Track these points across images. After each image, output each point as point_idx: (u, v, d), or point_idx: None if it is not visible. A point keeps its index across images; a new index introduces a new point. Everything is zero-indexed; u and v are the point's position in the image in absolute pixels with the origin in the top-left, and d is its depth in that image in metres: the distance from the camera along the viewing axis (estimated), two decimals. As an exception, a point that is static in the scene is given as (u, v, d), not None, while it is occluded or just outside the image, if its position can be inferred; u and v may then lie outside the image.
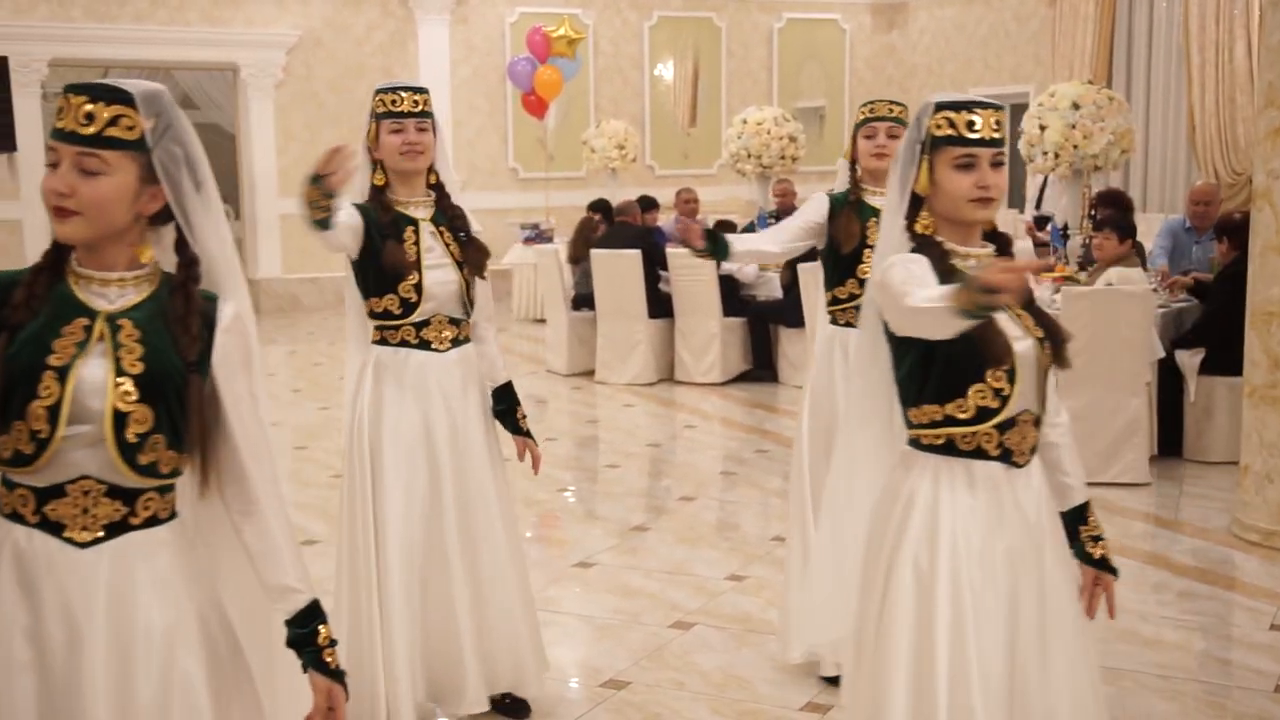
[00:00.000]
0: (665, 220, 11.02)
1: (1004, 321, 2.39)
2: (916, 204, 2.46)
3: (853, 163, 3.96)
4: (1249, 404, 5.42)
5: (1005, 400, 2.38)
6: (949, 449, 2.42)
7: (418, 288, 3.44)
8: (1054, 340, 2.45)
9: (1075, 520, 2.60)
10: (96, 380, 1.97)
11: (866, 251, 3.71)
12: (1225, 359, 6.48)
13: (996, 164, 2.40)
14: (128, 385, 1.98)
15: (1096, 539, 2.61)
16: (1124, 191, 9.62)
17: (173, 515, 2.09)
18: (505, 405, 3.67)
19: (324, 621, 2.14)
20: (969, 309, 2.06)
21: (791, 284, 8.53)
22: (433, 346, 3.51)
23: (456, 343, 3.54)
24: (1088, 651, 2.51)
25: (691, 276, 9.13)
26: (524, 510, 6.00)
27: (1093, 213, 8.05)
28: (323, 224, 3.21)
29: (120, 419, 1.97)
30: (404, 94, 3.46)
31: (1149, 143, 12.57)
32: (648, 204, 10.84)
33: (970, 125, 2.38)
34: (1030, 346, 2.42)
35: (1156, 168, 12.69)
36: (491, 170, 14.38)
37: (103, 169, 1.98)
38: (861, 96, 16.28)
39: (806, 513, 3.90)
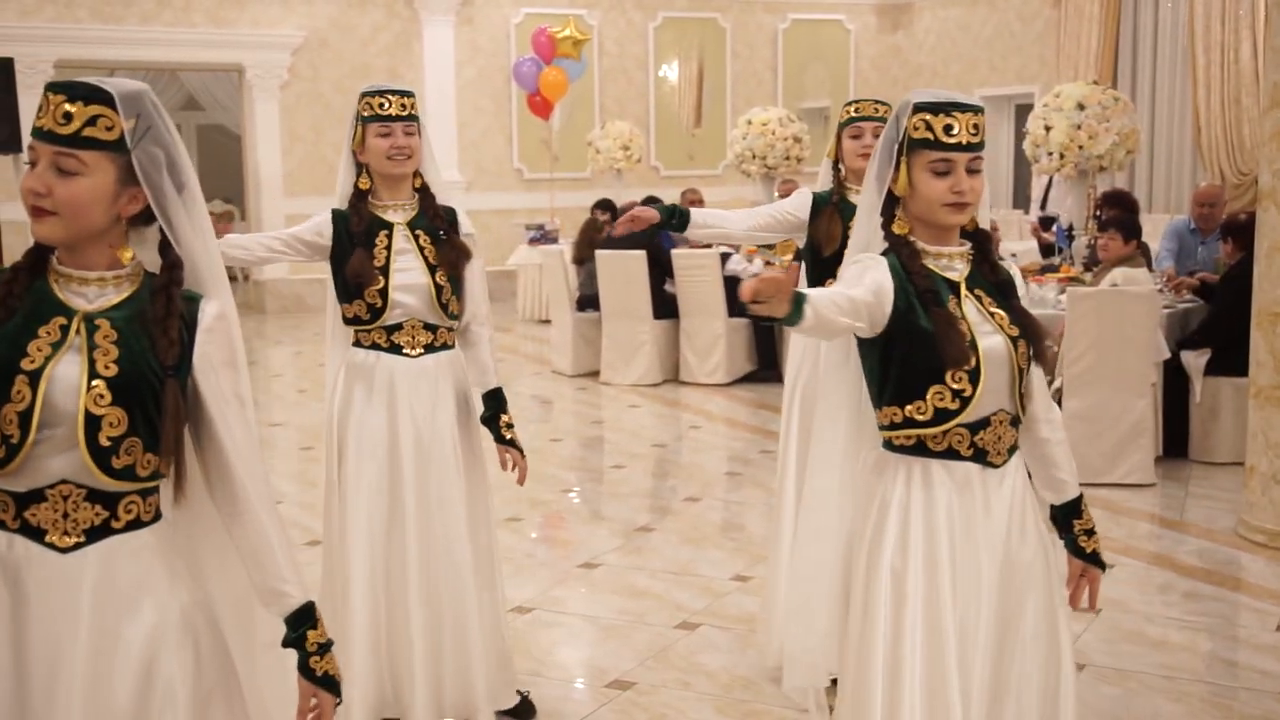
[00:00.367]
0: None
1: (975, 320, 2.39)
2: (893, 203, 2.45)
3: (836, 162, 3.93)
4: (1255, 405, 5.42)
5: (966, 401, 2.37)
6: (920, 449, 2.42)
7: (383, 293, 3.40)
8: (1031, 338, 2.43)
9: (1069, 514, 2.60)
10: (69, 382, 1.94)
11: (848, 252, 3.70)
12: (1231, 360, 6.48)
13: (973, 168, 2.39)
14: (101, 388, 1.95)
15: (1089, 533, 2.60)
16: (1129, 192, 9.62)
17: (157, 517, 2.06)
18: (490, 411, 3.56)
19: (313, 626, 2.12)
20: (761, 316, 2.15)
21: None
22: (404, 351, 3.45)
23: (431, 348, 3.47)
24: (1064, 648, 2.50)
25: (696, 277, 9.14)
26: (529, 511, 6.00)
27: (1098, 213, 8.06)
28: None
29: (93, 422, 1.94)
30: (391, 97, 3.44)
31: (1154, 143, 12.56)
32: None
33: (948, 129, 2.36)
34: (1000, 344, 2.40)
35: (1162, 168, 12.68)
36: (497, 171, 14.39)
37: (80, 169, 1.95)
38: (866, 97, 16.26)
39: (787, 511, 3.90)
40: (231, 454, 2.07)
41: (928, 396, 2.37)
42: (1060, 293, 6.81)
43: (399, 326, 3.44)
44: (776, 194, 11.41)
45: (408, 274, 3.41)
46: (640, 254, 9.15)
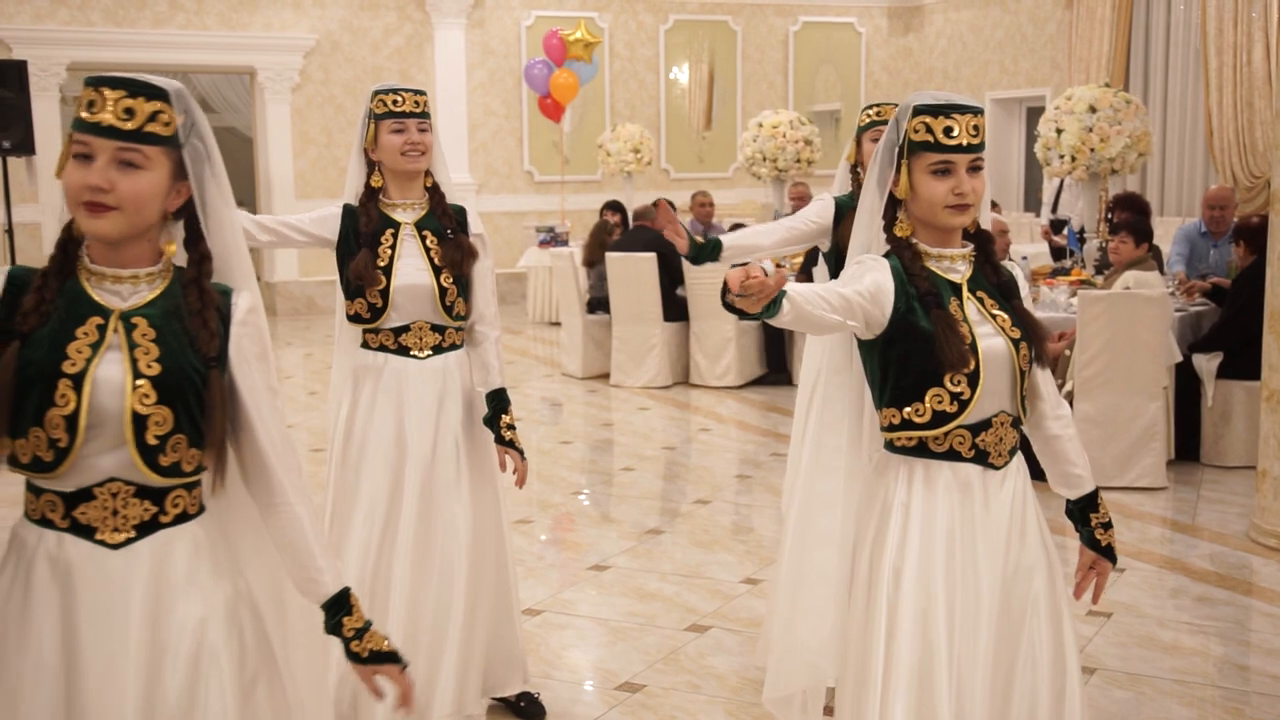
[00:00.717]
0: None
1: (976, 322, 2.40)
2: (894, 206, 2.46)
3: (855, 166, 3.92)
4: (1267, 408, 5.40)
5: (965, 404, 2.37)
6: (922, 451, 2.42)
7: (384, 293, 3.40)
8: (1033, 340, 2.44)
9: (1086, 508, 2.61)
10: (114, 383, 1.96)
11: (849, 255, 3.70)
12: (1243, 363, 6.46)
13: (974, 169, 2.39)
14: (145, 387, 1.97)
15: (1106, 526, 2.62)
16: (1141, 195, 9.60)
17: (200, 510, 2.09)
18: (492, 411, 3.53)
19: (349, 612, 2.15)
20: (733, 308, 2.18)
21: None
22: (412, 353, 3.45)
23: (439, 350, 3.47)
24: (1069, 650, 2.50)
25: (707, 280, 9.13)
26: (539, 513, 6.01)
27: (1109, 216, 8.04)
28: None
29: (140, 421, 1.96)
30: (404, 94, 3.44)
31: (1166, 146, 12.53)
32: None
33: (948, 131, 2.37)
34: (1001, 346, 2.41)
35: (1173, 171, 12.64)
36: (507, 173, 14.41)
37: (144, 164, 1.97)
38: (877, 100, 16.22)
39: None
40: (267, 446, 2.10)
41: (926, 399, 2.38)
42: (1071, 296, 6.80)
43: (406, 328, 3.44)
44: (787, 197, 11.42)
45: (411, 275, 3.41)
46: (650, 256, 9.15)
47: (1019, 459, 2.50)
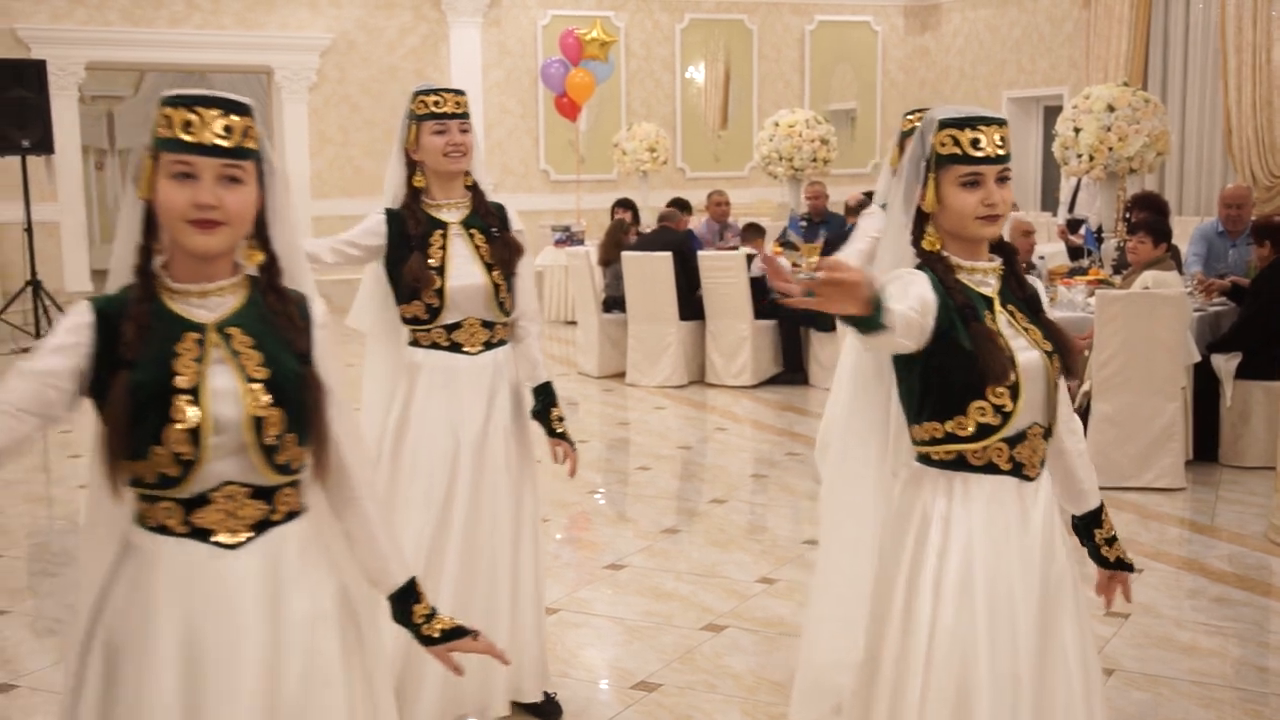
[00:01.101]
0: (697, 223, 11.02)
1: (1010, 335, 2.41)
2: (921, 219, 2.47)
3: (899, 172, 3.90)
4: (1286, 409, 5.37)
5: (1007, 417, 2.38)
6: (960, 464, 2.43)
7: (440, 293, 3.43)
8: (1063, 352, 2.45)
9: (1090, 524, 2.63)
10: (229, 391, 2.01)
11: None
12: (1262, 363, 6.43)
13: (1002, 179, 2.40)
14: (259, 391, 2.03)
15: (1110, 541, 2.64)
16: (1159, 194, 9.55)
17: (303, 508, 2.15)
18: (541, 405, 3.62)
19: (417, 600, 2.24)
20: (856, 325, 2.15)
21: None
22: (464, 349, 3.50)
23: (490, 345, 3.53)
24: (1091, 656, 2.52)
25: (722, 279, 9.13)
26: (555, 512, 6.01)
27: (1128, 216, 8.00)
28: None
29: (258, 424, 2.02)
30: (446, 95, 3.47)
31: (1184, 145, 12.48)
32: (680, 207, 10.84)
33: (975, 143, 2.38)
34: (1037, 359, 2.42)
35: (1192, 170, 12.59)
36: (523, 172, 14.42)
37: (245, 179, 2.04)
38: (894, 99, 16.29)
39: None
40: (344, 444, 2.17)
41: (969, 411, 2.39)
42: (1089, 295, 6.77)
43: (458, 325, 3.48)
44: (803, 196, 11.40)
45: (465, 274, 3.45)
46: (666, 255, 9.15)
47: (1048, 470, 2.52)
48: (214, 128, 2.02)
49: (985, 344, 2.33)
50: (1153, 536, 5.51)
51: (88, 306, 2.03)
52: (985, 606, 2.38)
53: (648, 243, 9.60)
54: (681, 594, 4.88)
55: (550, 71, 12.86)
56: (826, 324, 8.52)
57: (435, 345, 3.49)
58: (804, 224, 11.02)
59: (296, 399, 2.07)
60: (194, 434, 1.98)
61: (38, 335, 11.25)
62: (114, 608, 2.04)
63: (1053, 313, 2.56)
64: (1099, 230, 8.43)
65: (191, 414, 1.98)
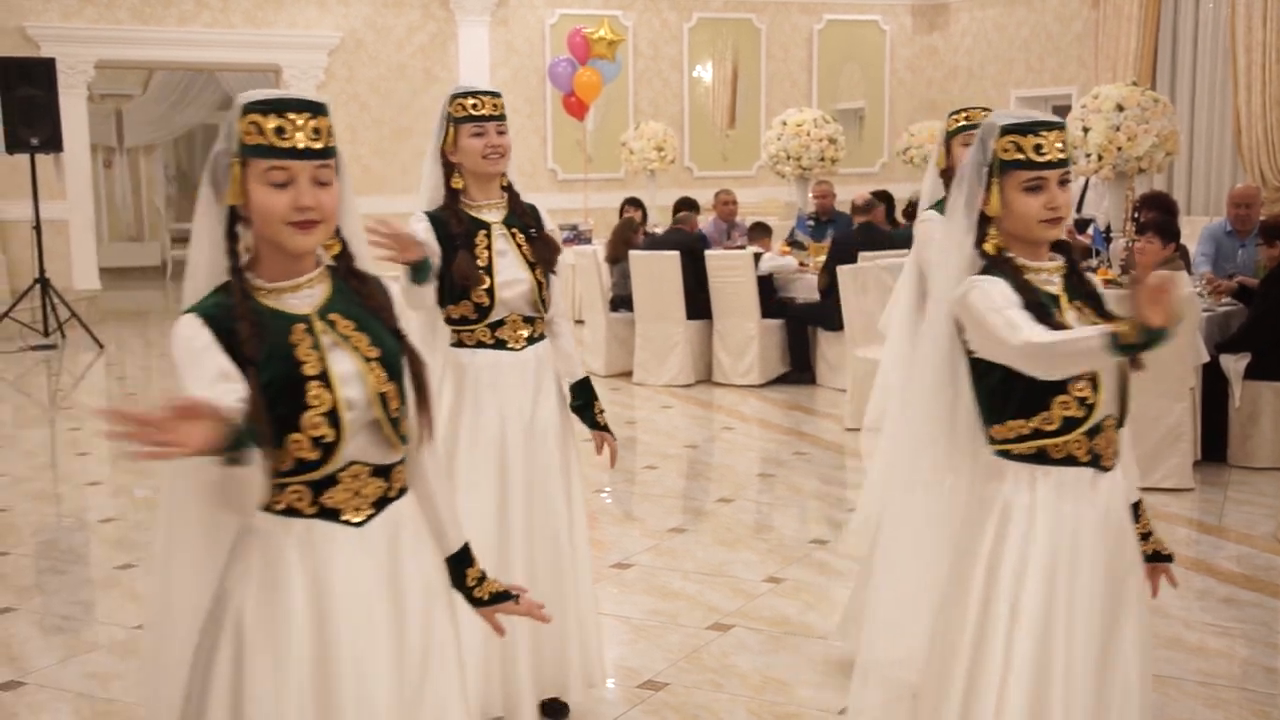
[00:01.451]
0: (704, 222, 11.02)
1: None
2: (983, 223, 2.54)
3: (945, 171, 3.89)
4: (1295, 409, 5.35)
5: (1091, 409, 2.47)
6: (1041, 458, 2.51)
7: (489, 293, 3.49)
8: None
9: (1130, 519, 2.70)
10: (351, 373, 2.10)
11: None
12: (1271, 363, 6.41)
13: (1063, 182, 2.48)
14: (377, 369, 2.13)
15: (1146, 536, 2.72)
16: (1168, 194, 9.53)
17: (408, 483, 2.25)
18: (583, 400, 3.70)
19: (470, 564, 2.35)
20: (1133, 344, 2.16)
21: (830, 288, 8.50)
22: (508, 346, 3.56)
23: (531, 341, 3.59)
24: (1148, 644, 2.62)
25: (730, 277, 9.13)
26: (562, 511, 6.00)
27: (1136, 216, 7.98)
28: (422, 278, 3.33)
29: (384, 401, 2.11)
30: (484, 98, 3.52)
31: (1194, 145, 12.44)
32: (688, 206, 10.84)
33: (1038, 149, 2.46)
34: None
35: (1201, 170, 12.56)
36: (531, 171, 14.42)
37: (332, 178, 2.12)
38: (902, 98, 16.28)
39: None
40: (411, 412, 2.25)
41: (1053, 407, 2.46)
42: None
43: (502, 323, 3.54)
44: (811, 196, 11.38)
45: (511, 273, 3.51)
46: (674, 254, 9.14)
47: (1121, 461, 2.61)
48: (305, 131, 2.08)
49: None
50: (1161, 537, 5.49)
51: (193, 316, 2.08)
52: (1065, 595, 2.47)
53: (660, 244, 9.60)
54: (688, 593, 4.87)
55: (558, 70, 12.86)
56: (833, 323, 8.51)
57: (480, 344, 3.55)
58: (811, 223, 11.02)
59: (401, 374, 2.17)
60: (330, 417, 2.06)
61: (45, 333, 11.29)
62: (241, 591, 2.09)
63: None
64: (1107, 230, 8.40)
65: (326, 398, 2.06)
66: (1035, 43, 14.51)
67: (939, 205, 3.83)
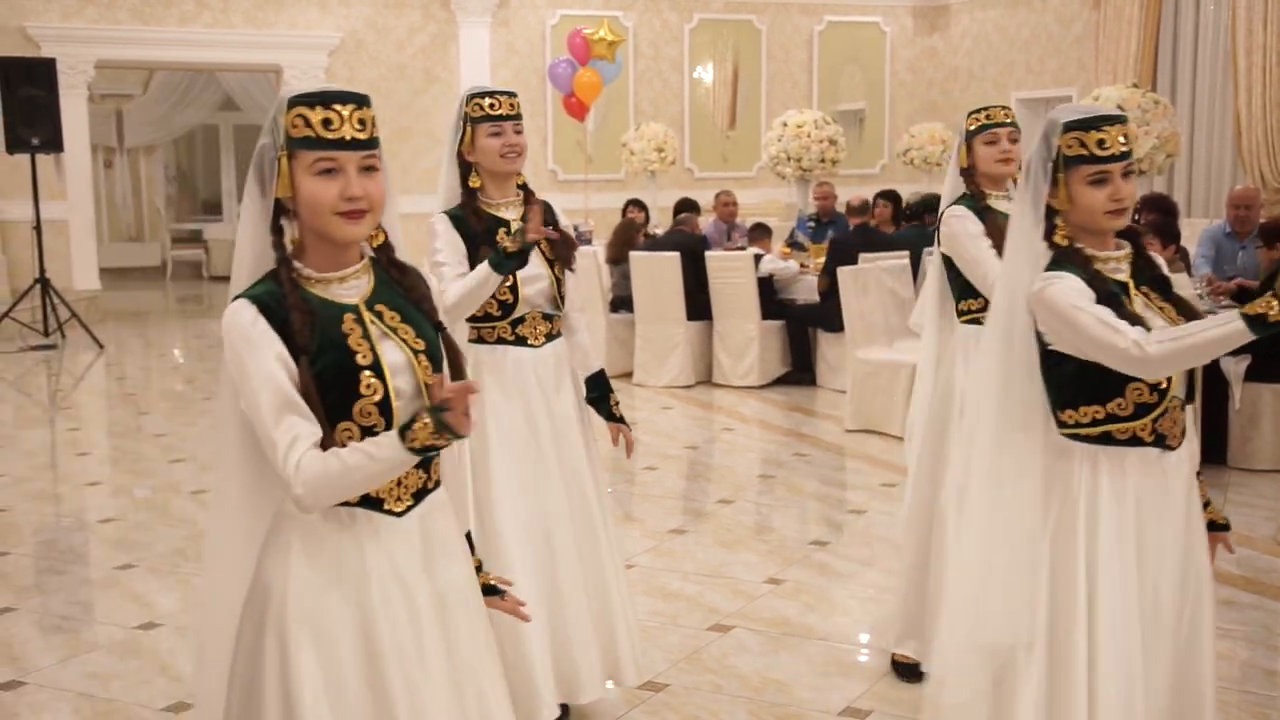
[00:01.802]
0: (704, 224, 11.01)
1: (1149, 317, 2.57)
2: (1049, 216, 2.63)
3: (966, 170, 3.90)
4: (1296, 411, 5.35)
5: (1164, 394, 2.57)
6: (1106, 439, 2.60)
7: (513, 289, 3.53)
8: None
9: (1197, 495, 2.80)
10: (401, 363, 2.14)
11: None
12: (1271, 366, 6.41)
13: (1127, 174, 2.58)
14: (424, 359, 2.17)
15: (1205, 505, 2.80)
16: (1168, 196, 9.53)
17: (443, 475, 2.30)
18: (599, 393, 3.74)
19: (471, 551, 2.39)
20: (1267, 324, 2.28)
21: (830, 291, 8.50)
22: (528, 342, 3.60)
23: (550, 337, 3.64)
24: (1213, 620, 2.74)
25: (730, 279, 9.13)
26: (562, 511, 6.00)
27: (1136, 218, 7.98)
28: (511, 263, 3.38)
29: (428, 391, 2.12)
30: (501, 98, 3.56)
31: (1194, 147, 12.44)
32: (689, 207, 10.84)
33: (1100, 143, 2.56)
34: None
35: (1201, 172, 12.56)
36: (531, 172, 14.31)
37: (379, 167, 2.15)
38: (902, 100, 16.28)
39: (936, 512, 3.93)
40: None
41: (1127, 393, 2.57)
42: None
43: (522, 319, 3.59)
44: (811, 197, 11.38)
45: (531, 269, 3.54)
46: (674, 255, 9.14)
47: (1188, 440, 2.69)
48: (351, 123, 2.11)
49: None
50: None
51: (245, 302, 2.10)
52: (1136, 569, 2.57)
53: (661, 245, 9.60)
54: (688, 594, 4.87)
55: (558, 71, 12.85)
56: (834, 325, 8.51)
57: (501, 340, 3.59)
58: (812, 225, 11.02)
59: (442, 363, 2.21)
60: (382, 406, 2.10)
61: (46, 333, 11.28)
62: (282, 581, 2.11)
63: None
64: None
65: (379, 387, 2.10)
66: (1036, 44, 14.51)
67: (963, 200, 3.85)
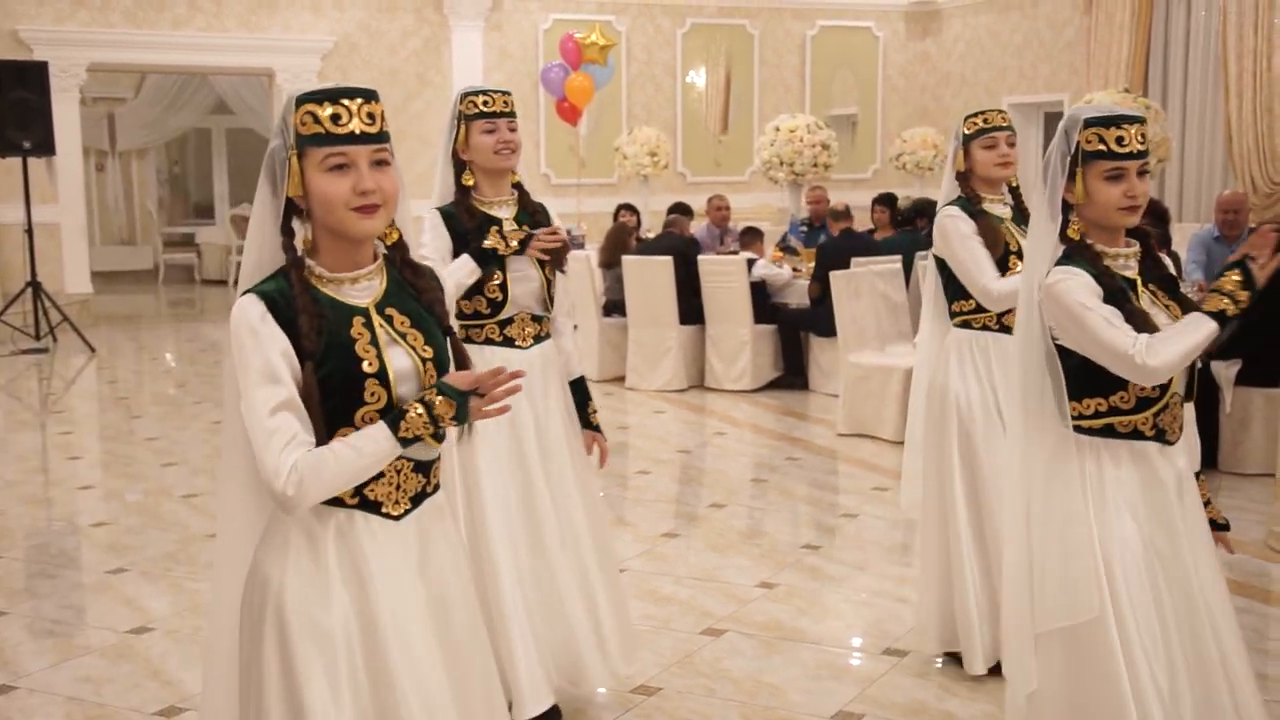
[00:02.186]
0: (697, 228, 11.02)
1: (1154, 313, 2.65)
2: (1064, 211, 2.70)
3: (962, 174, 3.91)
4: (1286, 416, 5.37)
5: (1165, 388, 2.64)
6: (1108, 432, 2.68)
7: (502, 288, 3.54)
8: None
9: (1196, 487, 2.87)
10: (407, 371, 2.14)
11: (1012, 258, 3.77)
12: (1262, 370, 6.43)
13: (1142, 172, 2.65)
14: (430, 368, 2.17)
15: (1205, 504, 2.87)
16: (1160, 201, 9.55)
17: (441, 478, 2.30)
18: (578, 399, 3.75)
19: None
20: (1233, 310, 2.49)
21: (822, 297, 8.51)
22: (516, 344, 3.60)
23: (539, 339, 3.65)
24: (1227, 596, 2.84)
25: (723, 283, 9.13)
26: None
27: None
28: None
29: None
30: (494, 95, 3.57)
31: (1185, 152, 12.46)
32: (681, 211, 10.85)
33: (1119, 140, 2.64)
34: None
35: (1192, 177, 12.58)
36: (523, 175, 14.34)
37: (389, 159, 2.14)
38: (895, 104, 16.29)
39: (960, 510, 3.94)
40: None
41: (1129, 387, 2.65)
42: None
43: (511, 320, 3.59)
44: (804, 201, 11.39)
45: (522, 269, 3.56)
46: (667, 259, 9.15)
47: (1185, 436, 2.77)
48: (360, 116, 2.10)
49: (1139, 324, 2.57)
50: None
51: (254, 297, 2.08)
52: (1146, 559, 2.66)
53: (652, 248, 9.61)
54: (681, 598, 4.87)
55: (550, 75, 12.86)
56: (826, 329, 8.52)
57: (489, 341, 3.59)
58: (804, 229, 11.04)
59: (448, 370, 2.20)
60: (384, 414, 2.10)
61: (37, 337, 11.26)
62: (279, 577, 2.11)
63: None
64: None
65: (382, 395, 2.10)
66: (1028, 49, 14.54)
67: (958, 203, 3.87)
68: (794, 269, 9.60)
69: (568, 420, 3.71)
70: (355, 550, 2.13)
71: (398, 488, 2.16)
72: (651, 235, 10.58)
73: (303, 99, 2.10)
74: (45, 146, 11.44)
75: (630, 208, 11.32)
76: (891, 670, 4.15)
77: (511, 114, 3.57)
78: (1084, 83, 13.10)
